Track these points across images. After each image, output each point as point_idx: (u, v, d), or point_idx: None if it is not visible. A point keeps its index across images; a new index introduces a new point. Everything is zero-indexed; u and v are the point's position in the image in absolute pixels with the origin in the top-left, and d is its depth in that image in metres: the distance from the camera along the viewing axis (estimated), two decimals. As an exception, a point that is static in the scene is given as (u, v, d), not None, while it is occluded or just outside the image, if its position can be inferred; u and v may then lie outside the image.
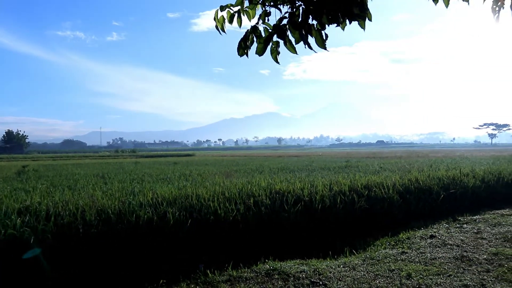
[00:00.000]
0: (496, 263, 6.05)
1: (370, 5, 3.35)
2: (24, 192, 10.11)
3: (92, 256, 6.21)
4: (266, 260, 6.48)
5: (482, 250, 6.78)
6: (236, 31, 3.63)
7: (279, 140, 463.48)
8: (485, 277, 5.49)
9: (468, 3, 3.78)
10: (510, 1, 3.03)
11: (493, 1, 3.77)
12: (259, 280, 5.62)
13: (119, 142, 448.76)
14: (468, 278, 5.43)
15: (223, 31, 3.56)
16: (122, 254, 6.42)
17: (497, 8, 3.75)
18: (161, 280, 5.78)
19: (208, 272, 5.95)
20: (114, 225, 6.76)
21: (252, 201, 8.35)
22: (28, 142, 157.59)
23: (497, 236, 7.73)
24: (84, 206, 7.38)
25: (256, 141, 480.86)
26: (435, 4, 3.75)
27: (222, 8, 3.50)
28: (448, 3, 3.71)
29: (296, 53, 3.39)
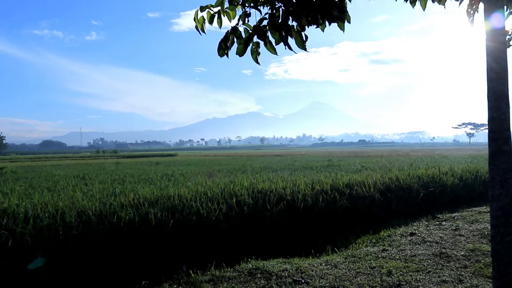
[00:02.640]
0: (473, 259, 6.19)
1: (349, 7, 3.41)
2: (1, 194, 9.92)
3: (72, 258, 6.14)
4: (249, 260, 6.50)
5: (460, 247, 6.92)
6: (217, 30, 3.64)
7: (262, 139, 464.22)
8: (463, 272, 5.60)
9: (444, 7, 3.87)
10: (483, 5, 3.12)
11: (468, 5, 3.87)
12: (241, 279, 5.63)
13: (100, 142, 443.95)
14: (447, 274, 5.54)
15: (203, 31, 3.57)
16: (103, 256, 6.37)
17: (471, 12, 3.84)
18: (144, 281, 5.75)
19: (191, 272, 5.94)
20: (95, 227, 6.70)
21: (234, 201, 8.36)
22: (6, 143, 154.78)
23: (474, 233, 7.89)
24: (64, 207, 7.29)
25: (239, 140, 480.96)
26: (413, 7, 3.83)
27: (202, 9, 3.51)
28: (425, 6, 3.79)
29: (276, 54, 3.42)
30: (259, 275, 5.74)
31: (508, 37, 5.69)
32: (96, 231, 6.61)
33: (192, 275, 5.85)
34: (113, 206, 7.56)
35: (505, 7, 3.25)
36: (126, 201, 8.04)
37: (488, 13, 3.09)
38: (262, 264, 6.20)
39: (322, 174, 13.72)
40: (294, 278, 5.54)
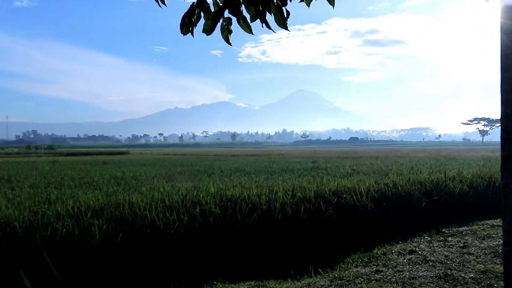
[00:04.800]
0: (485, 283, 6.32)
1: (341, -23, 3.42)
2: None
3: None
4: (215, 283, 6.49)
5: (469, 268, 7.05)
6: (180, 2, 3.61)
7: (234, 135, 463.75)
8: (471, 299, 5.72)
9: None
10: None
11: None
12: (205, 307, 5.62)
13: (32, 135, 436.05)
14: (452, 301, 5.65)
15: (163, 3, 3.53)
16: (33, 276, 6.25)
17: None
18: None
19: (143, 298, 5.89)
20: (22, 241, 6.57)
21: (198, 210, 8.36)
22: None
23: (486, 251, 8.05)
24: (-18, 218, 7.12)
25: (206, 136, 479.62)
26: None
27: (163, -25, 3.47)
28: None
29: (252, 33, 3.40)
30: (227, 302, 5.73)
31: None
32: (23, 247, 6.49)
33: (145, 301, 5.81)
34: (47, 216, 7.44)
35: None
36: (63, 210, 7.93)
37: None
38: (230, 288, 6.20)
39: (305, 179, 13.81)
40: (270, 306, 5.56)
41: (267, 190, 10.35)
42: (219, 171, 19.92)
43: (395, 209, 10.56)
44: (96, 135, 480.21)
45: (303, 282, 6.67)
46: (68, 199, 9.05)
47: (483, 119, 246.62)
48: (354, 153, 51.62)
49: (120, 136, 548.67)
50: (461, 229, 10.06)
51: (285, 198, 9.61)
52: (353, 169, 19.16)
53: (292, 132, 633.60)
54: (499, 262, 7.28)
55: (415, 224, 10.49)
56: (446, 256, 7.81)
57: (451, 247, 8.43)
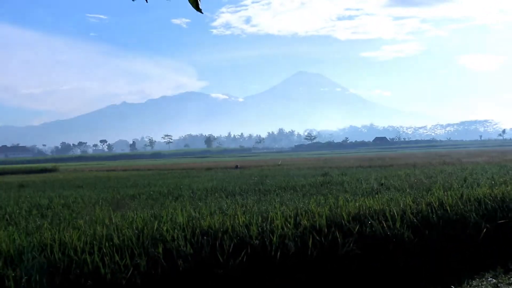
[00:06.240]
0: None
1: None
2: None
3: None
4: None
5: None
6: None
7: (209, 140, 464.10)
8: None
9: None
10: None
11: None
12: None
13: None
14: None
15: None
16: None
17: None
18: None
19: None
20: None
21: (161, 250, 8.33)
22: None
23: None
24: None
25: (169, 142, 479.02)
26: None
27: None
28: None
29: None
30: None
31: None
32: None
33: None
34: None
35: None
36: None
37: None
38: None
39: (312, 199, 13.83)
40: None
41: (259, 218, 10.34)
42: (190, 192, 19.89)
43: (442, 239, 10.56)
44: (8, 146, 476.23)
45: None
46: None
47: None
48: (382, 160, 51.83)
49: (44, 145, 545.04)
50: (540, 266, 10.07)
51: (285, 228, 9.60)
52: (381, 183, 19.22)
53: (292, 132, 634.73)
54: None
55: (472, 260, 10.50)
56: (519, 305, 7.82)
57: (526, 292, 8.44)
